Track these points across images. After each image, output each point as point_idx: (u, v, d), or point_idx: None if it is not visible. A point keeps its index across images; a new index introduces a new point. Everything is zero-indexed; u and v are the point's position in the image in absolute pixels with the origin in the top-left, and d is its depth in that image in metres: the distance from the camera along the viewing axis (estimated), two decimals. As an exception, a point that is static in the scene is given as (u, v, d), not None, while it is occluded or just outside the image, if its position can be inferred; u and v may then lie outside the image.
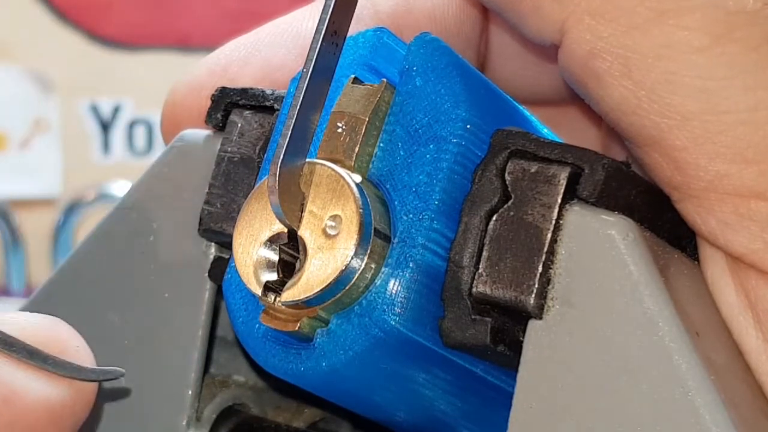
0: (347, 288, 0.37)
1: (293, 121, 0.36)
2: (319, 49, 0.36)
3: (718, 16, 0.36)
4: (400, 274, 0.37)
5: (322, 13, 0.36)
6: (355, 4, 0.37)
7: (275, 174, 0.36)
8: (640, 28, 0.37)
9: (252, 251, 0.38)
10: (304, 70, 0.37)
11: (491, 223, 0.38)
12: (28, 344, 0.35)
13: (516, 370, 0.37)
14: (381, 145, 0.39)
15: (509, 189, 0.38)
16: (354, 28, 0.41)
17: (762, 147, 0.36)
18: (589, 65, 0.38)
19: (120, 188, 2.10)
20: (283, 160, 0.36)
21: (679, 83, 0.36)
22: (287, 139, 0.36)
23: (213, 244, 0.44)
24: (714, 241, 0.38)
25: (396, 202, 0.38)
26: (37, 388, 0.35)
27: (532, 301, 0.37)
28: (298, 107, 0.36)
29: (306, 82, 0.36)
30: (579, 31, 0.38)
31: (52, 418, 0.36)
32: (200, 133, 0.45)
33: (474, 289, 0.38)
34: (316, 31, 0.36)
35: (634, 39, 0.37)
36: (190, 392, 0.44)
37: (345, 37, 0.37)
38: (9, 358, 0.35)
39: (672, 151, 0.37)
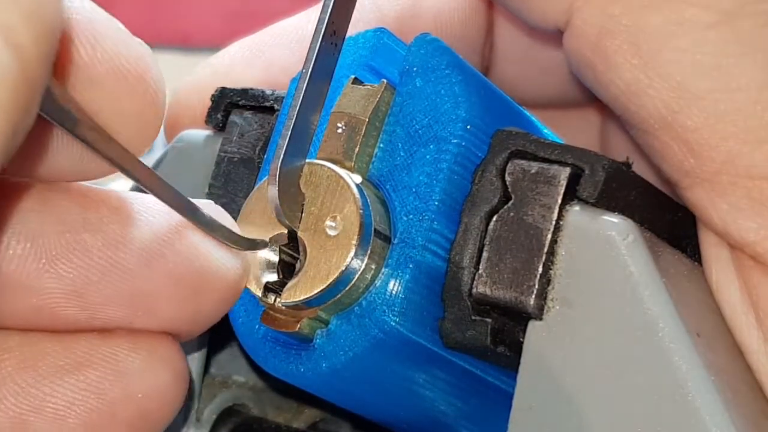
0: (347, 289, 0.37)
1: (293, 121, 0.36)
2: (319, 49, 0.36)
3: None
4: (400, 274, 0.37)
5: (321, 14, 0.36)
6: (354, 5, 0.37)
7: (275, 174, 0.36)
8: (650, 6, 0.36)
9: (252, 252, 0.38)
10: (304, 70, 0.37)
11: (491, 223, 0.38)
12: (226, 226, 0.36)
13: (516, 371, 0.37)
14: (381, 145, 0.39)
15: (509, 189, 0.38)
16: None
17: None
18: (599, 45, 0.37)
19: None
20: (282, 160, 0.36)
21: (690, 61, 0.36)
22: (287, 140, 0.36)
23: (213, 244, 0.44)
24: (724, 228, 0.37)
25: (396, 203, 0.38)
26: (232, 263, 0.36)
27: (532, 301, 0.37)
28: (297, 108, 0.36)
29: (306, 83, 0.36)
30: (589, 11, 0.37)
31: (239, 289, 0.36)
32: (200, 133, 0.45)
33: (474, 290, 0.38)
34: (315, 32, 0.36)
35: (644, 17, 0.36)
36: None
37: (344, 38, 0.37)
38: (213, 238, 0.35)
39: (684, 132, 0.37)
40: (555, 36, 0.40)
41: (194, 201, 0.35)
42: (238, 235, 0.36)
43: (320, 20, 0.36)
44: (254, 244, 0.37)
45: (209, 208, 0.36)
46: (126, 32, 0.34)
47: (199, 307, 0.35)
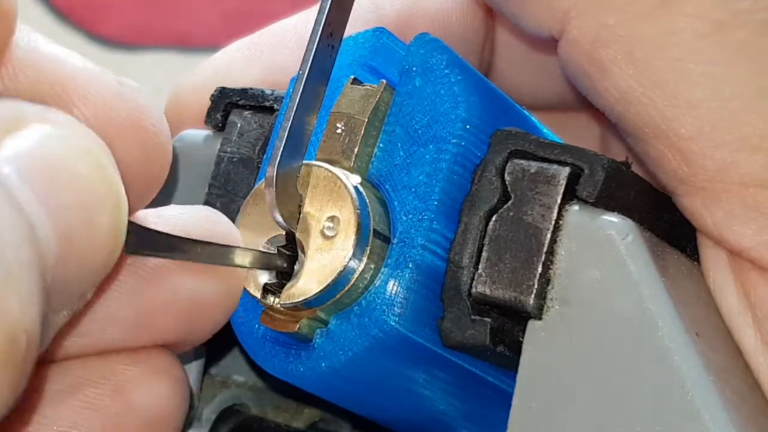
0: (346, 289, 0.37)
1: (290, 122, 0.36)
2: (315, 50, 0.36)
3: (723, 3, 0.36)
4: (400, 274, 0.37)
5: (318, 15, 0.36)
6: (351, 6, 0.37)
7: (272, 176, 0.36)
8: (645, 16, 0.37)
9: (251, 252, 0.38)
10: (300, 71, 0.37)
11: (491, 223, 0.38)
12: (212, 244, 0.35)
13: (515, 371, 0.37)
14: (380, 145, 0.39)
15: (509, 189, 0.38)
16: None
17: (767, 135, 0.36)
18: (594, 54, 0.37)
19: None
20: (279, 162, 0.36)
21: (684, 70, 0.36)
22: (284, 141, 0.36)
23: (212, 244, 0.43)
24: (720, 235, 0.37)
25: (395, 203, 0.38)
26: (219, 291, 0.36)
27: (531, 301, 0.37)
28: (294, 109, 0.36)
29: (302, 84, 0.36)
30: (584, 20, 0.38)
31: (228, 313, 0.36)
32: (200, 133, 0.45)
33: (473, 290, 0.38)
34: (312, 32, 0.36)
35: (639, 27, 0.37)
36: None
37: (341, 39, 0.37)
38: (187, 266, 0.35)
39: (678, 141, 0.37)
40: (550, 44, 0.40)
41: (194, 208, 0.35)
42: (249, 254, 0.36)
43: (317, 21, 0.36)
44: (267, 259, 0.37)
45: (207, 222, 0.36)
46: (115, 82, 0.34)
47: (194, 325, 0.35)
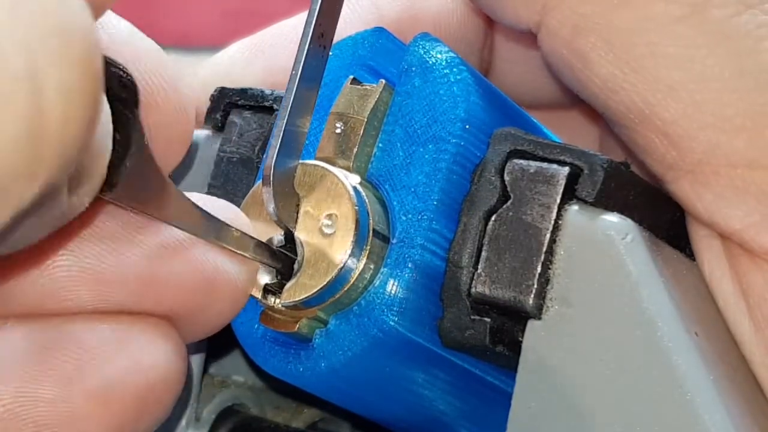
0: (346, 288, 0.37)
1: (284, 122, 0.36)
2: (307, 51, 0.36)
3: None
4: (399, 274, 0.37)
5: (308, 16, 0.36)
6: (341, 7, 0.37)
7: (269, 176, 0.36)
8: (621, 3, 0.37)
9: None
10: (293, 72, 0.37)
11: (490, 223, 0.38)
12: (241, 232, 0.35)
13: (515, 371, 0.37)
14: (380, 145, 0.39)
15: (508, 189, 0.38)
16: None
17: (750, 114, 0.36)
18: (573, 45, 0.38)
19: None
20: (275, 161, 0.36)
21: (662, 54, 0.36)
22: (279, 141, 0.36)
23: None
24: (710, 218, 0.37)
25: (395, 203, 0.38)
26: (236, 272, 0.35)
27: (530, 301, 0.37)
28: (288, 109, 0.36)
29: (295, 85, 0.36)
30: (561, 11, 0.38)
31: (244, 297, 0.36)
32: (200, 133, 0.45)
33: (473, 290, 0.38)
34: (303, 34, 0.36)
35: (615, 14, 0.37)
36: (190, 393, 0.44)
37: (332, 39, 0.37)
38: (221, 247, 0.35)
39: (663, 125, 0.37)
40: (532, 34, 0.40)
41: (214, 198, 0.35)
42: (258, 245, 0.36)
43: (307, 23, 0.36)
44: (273, 254, 0.37)
45: (227, 212, 0.36)
46: (158, 50, 0.34)
47: (204, 306, 0.35)
